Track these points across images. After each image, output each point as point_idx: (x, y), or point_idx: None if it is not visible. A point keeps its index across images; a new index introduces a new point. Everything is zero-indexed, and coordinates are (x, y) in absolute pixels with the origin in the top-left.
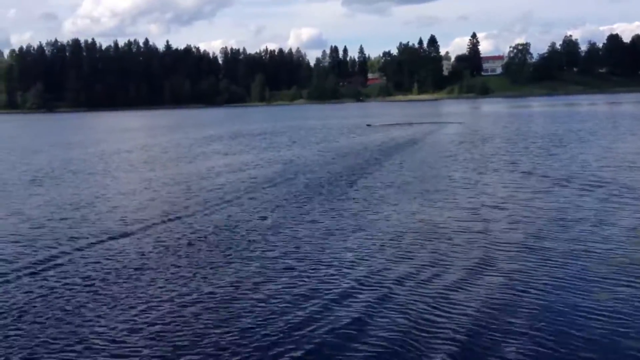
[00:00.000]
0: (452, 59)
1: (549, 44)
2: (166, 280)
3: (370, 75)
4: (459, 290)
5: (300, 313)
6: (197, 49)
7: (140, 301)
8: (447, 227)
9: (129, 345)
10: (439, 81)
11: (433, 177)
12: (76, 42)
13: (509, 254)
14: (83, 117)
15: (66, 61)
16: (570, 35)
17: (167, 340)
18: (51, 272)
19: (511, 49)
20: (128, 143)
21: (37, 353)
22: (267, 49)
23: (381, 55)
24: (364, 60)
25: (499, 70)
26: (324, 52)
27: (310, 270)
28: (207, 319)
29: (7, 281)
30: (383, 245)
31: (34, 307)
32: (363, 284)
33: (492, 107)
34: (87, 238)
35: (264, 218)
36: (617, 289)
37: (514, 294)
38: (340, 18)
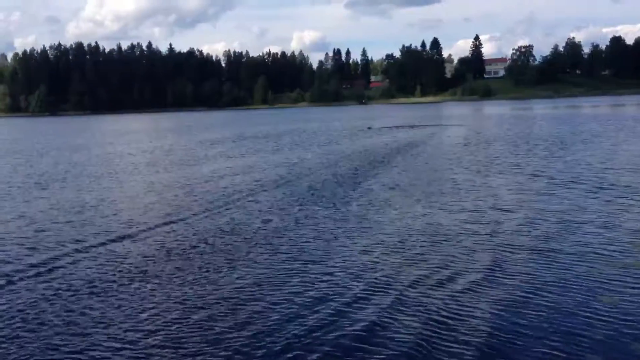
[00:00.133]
0: (455, 61)
1: (552, 47)
2: (171, 283)
3: (372, 78)
4: (468, 292)
5: (309, 317)
6: (200, 52)
7: (145, 304)
8: (453, 230)
9: (134, 348)
10: (441, 84)
11: (437, 180)
12: (80, 45)
13: (516, 257)
14: (87, 120)
15: (70, 65)
16: (574, 38)
17: (172, 344)
18: (56, 275)
19: (514, 51)
20: (132, 146)
21: (42, 355)
22: (270, 51)
23: (384, 57)
24: (366, 63)
25: (501, 73)
26: (326, 54)
27: (318, 274)
28: (213, 323)
29: (12, 283)
30: (390, 248)
31: (39, 309)
32: (371, 288)
33: (495, 110)
34: (92, 241)
35: (269, 221)
36: (625, 291)
37: (523, 296)
38: (343, 21)
